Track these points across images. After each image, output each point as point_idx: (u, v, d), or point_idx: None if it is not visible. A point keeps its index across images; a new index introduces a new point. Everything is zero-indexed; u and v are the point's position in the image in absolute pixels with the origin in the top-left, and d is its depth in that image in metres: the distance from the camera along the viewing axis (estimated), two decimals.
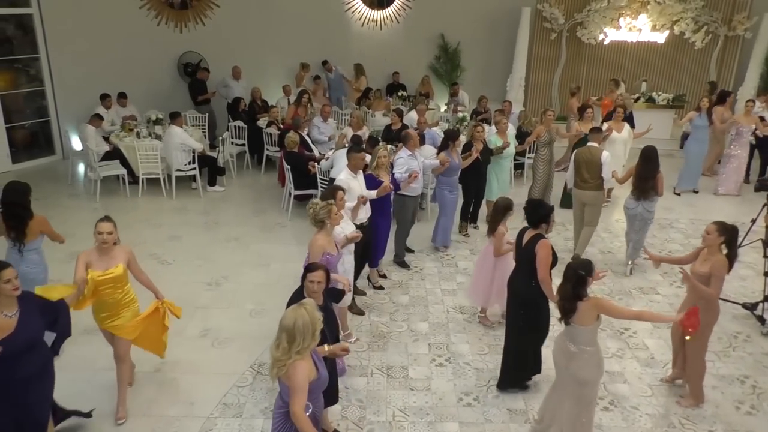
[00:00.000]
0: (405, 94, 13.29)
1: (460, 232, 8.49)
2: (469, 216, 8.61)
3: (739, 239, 6.10)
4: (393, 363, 5.61)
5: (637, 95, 13.31)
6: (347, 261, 5.68)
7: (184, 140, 9.51)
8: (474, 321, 6.32)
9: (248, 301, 6.67)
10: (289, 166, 8.71)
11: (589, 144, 7.70)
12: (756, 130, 10.13)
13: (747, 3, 13.37)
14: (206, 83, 12.32)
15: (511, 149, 8.76)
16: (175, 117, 9.60)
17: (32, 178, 10.73)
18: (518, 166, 10.72)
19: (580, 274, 4.02)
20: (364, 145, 8.41)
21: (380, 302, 6.74)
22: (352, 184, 6.19)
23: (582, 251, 7.56)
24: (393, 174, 6.96)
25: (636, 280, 7.30)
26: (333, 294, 4.61)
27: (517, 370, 5.20)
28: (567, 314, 4.09)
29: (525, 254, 4.95)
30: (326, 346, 3.86)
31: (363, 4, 14.05)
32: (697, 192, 10.45)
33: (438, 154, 7.82)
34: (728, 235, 4.73)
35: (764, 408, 5.07)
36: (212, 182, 10.13)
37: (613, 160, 8.88)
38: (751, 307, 6.44)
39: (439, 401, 5.10)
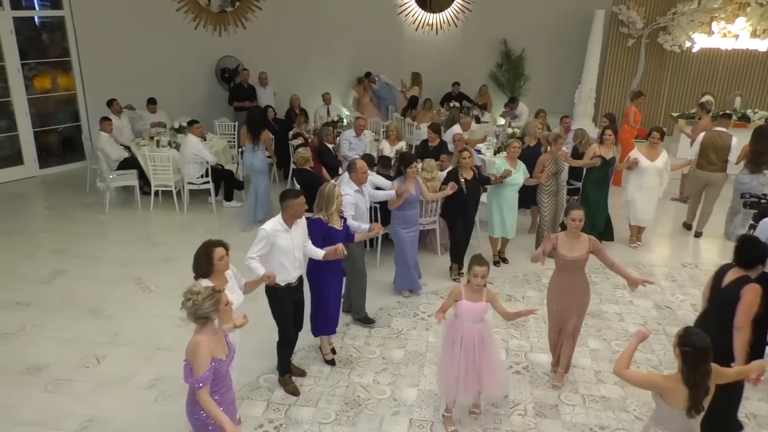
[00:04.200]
0: (457, 104, 12.08)
1: (451, 275, 7.20)
2: (458, 257, 7.13)
3: None
4: None
5: (728, 111, 11.41)
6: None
7: (198, 150, 8.83)
8: None
9: None
10: (299, 186, 7.79)
11: (717, 129, 8.32)
12: None
13: None
14: (254, 87, 11.67)
15: (519, 179, 7.20)
16: (192, 125, 8.95)
17: (54, 185, 10.58)
18: (572, 191, 9.17)
19: (711, 344, 3.26)
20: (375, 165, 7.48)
21: (369, 356, 5.65)
22: (281, 240, 4.68)
23: (703, 227, 8.44)
24: (344, 219, 5.36)
25: None
26: None
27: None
28: (703, 400, 3.26)
29: (723, 296, 4.19)
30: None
31: (418, 7, 13.01)
32: None
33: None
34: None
35: None
36: (229, 197, 9.39)
37: (642, 193, 7.79)
38: None
39: None
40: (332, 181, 7.68)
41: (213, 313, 3.45)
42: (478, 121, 11.66)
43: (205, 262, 4.11)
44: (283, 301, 4.88)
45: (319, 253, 4.93)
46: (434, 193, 6.81)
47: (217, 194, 9.35)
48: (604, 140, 7.64)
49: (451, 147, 8.75)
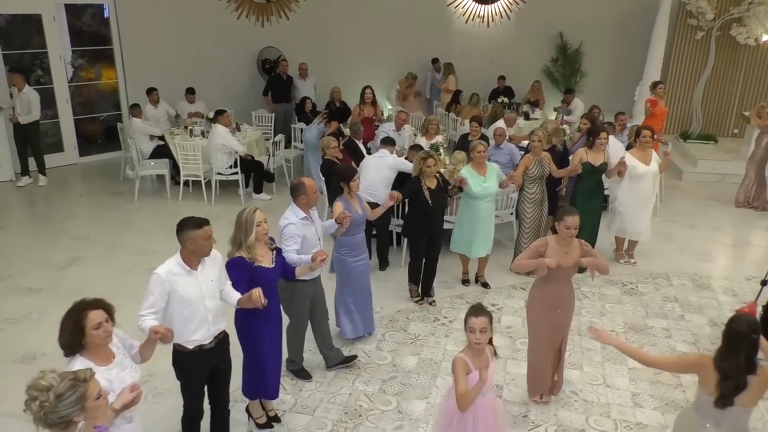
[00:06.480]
0: (505, 99, 11.42)
1: (411, 297, 6.22)
2: (420, 279, 6.13)
3: None
4: None
5: None
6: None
7: (226, 141, 8.58)
8: None
9: None
10: (323, 177, 7.40)
11: None
12: None
13: None
14: (293, 79, 11.41)
15: (492, 187, 6.07)
16: (219, 114, 8.71)
17: (91, 173, 10.56)
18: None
19: (753, 338, 2.95)
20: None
21: (378, 362, 5.17)
22: (181, 286, 3.47)
23: None
24: (278, 251, 4.15)
25: None
26: None
27: None
28: (734, 395, 2.94)
29: None
30: None
31: None
32: None
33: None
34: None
35: None
36: (258, 189, 9.10)
37: (639, 204, 6.81)
38: None
39: None
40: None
41: (76, 415, 2.29)
42: (527, 117, 11.00)
43: (71, 333, 2.78)
44: (189, 369, 3.70)
45: (233, 299, 3.76)
46: (377, 210, 5.45)
47: (247, 186, 9.09)
48: (595, 144, 6.47)
49: (491, 143, 8.18)
